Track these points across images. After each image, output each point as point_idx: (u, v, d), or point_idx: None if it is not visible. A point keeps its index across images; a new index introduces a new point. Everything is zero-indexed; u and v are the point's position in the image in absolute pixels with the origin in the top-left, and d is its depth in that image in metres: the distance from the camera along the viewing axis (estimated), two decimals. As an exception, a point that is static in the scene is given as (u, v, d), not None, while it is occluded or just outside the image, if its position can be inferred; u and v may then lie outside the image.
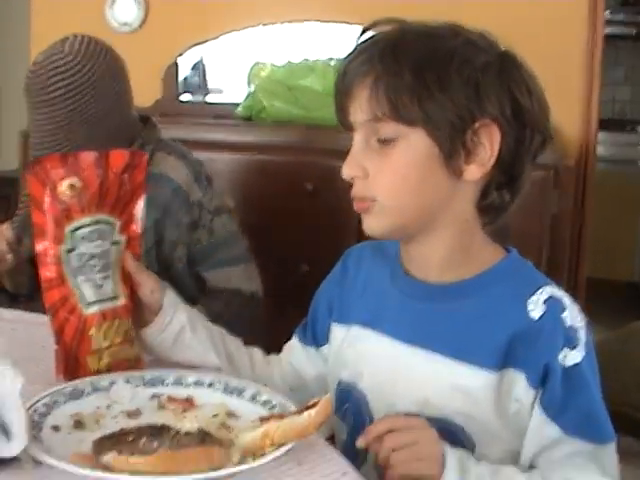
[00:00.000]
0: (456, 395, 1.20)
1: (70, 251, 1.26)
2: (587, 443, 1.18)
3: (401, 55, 1.17)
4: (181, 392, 1.22)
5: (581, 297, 2.86)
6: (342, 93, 1.23)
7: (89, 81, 1.91)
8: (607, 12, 3.39)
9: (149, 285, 1.35)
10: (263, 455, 1.01)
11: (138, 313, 1.35)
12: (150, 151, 2.03)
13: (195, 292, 2.04)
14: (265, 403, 1.17)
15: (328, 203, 2.60)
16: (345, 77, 1.22)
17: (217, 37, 3.19)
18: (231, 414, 1.15)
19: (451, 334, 1.22)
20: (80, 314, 1.27)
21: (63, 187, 1.23)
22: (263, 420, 1.07)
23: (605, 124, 3.94)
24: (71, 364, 1.28)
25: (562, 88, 2.62)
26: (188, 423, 1.04)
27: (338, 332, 1.37)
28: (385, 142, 1.19)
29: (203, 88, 3.44)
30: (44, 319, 1.59)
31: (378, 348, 1.29)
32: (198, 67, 3.41)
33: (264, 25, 3.11)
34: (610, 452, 1.21)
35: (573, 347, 1.17)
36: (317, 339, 1.43)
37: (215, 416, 1.14)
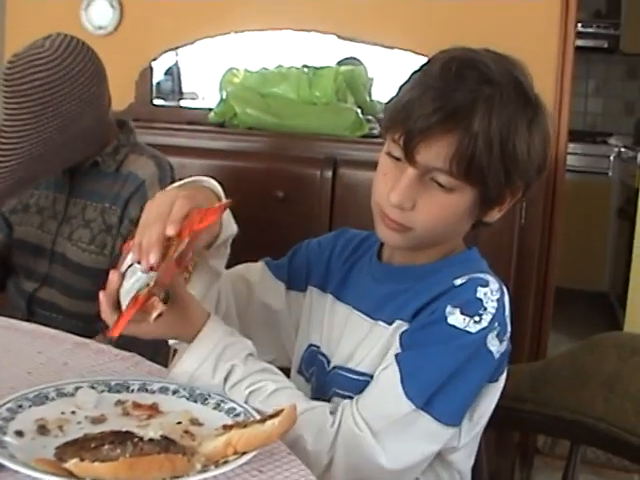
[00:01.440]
0: (374, 351, 1.30)
1: None
2: (407, 400, 1.21)
3: (495, 121, 1.22)
4: (146, 398, 1.22)
5: (549, 307, 2.89)
6: (417, 131, 1.23)
7: (66, 77, 1.92)
8: (579, 25, 3.41)
9: None
10: (225, 463, 1.02)
11: None
12: (124, 153, 2.06)
13: None
14: (229, 411, 1.18)
15: (299, 210, 2.61)
16: (428, 118, 1.22)
17: (192, 42, 3.20)
18: (195, 421, 1.15)
19: (391, 305, 1.32)
20: None
21: None
22: (226, 428, 1.07)
23: (576, 135, 3.97)
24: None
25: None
26: (151, 430, 1.05)
27: (315, 296, 1.47)
28: (441, 186, 1.25)
29: (177, 93, 3.44)
30: (9, 322, 1.60)
31: (340, 317, 1.41)
32: (172, 72, 3.41)
33: (237, 32, 3.13)
34: (423, 427, 1.22)
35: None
36: (290, 281, 1.50)
37: (179, 423, 1.14)
